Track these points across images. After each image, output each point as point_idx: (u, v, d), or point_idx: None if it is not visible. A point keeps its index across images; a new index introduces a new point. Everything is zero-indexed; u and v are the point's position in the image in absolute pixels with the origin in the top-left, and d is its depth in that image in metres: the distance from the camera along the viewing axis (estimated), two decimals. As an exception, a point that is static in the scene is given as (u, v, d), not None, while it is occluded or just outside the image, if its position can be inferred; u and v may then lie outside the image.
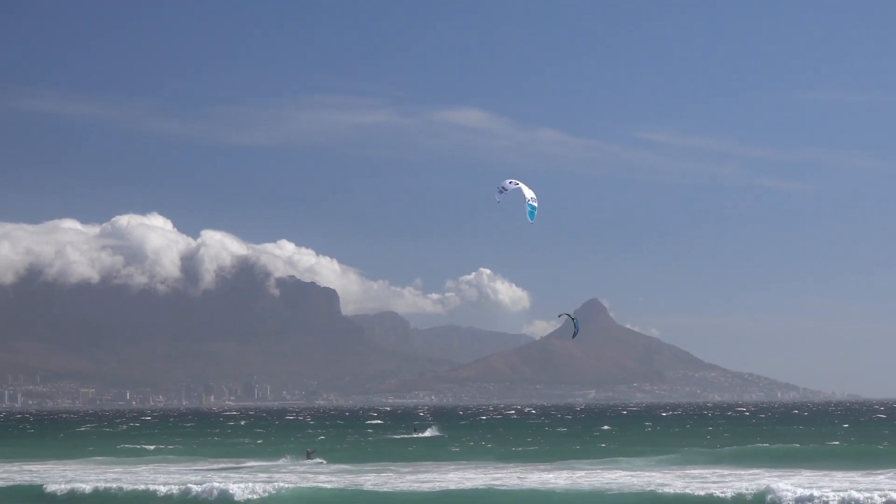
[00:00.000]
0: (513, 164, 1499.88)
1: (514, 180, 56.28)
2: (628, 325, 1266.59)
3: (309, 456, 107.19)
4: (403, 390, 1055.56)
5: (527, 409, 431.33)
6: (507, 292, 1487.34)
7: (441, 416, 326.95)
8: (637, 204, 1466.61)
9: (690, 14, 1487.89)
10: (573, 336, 66.41)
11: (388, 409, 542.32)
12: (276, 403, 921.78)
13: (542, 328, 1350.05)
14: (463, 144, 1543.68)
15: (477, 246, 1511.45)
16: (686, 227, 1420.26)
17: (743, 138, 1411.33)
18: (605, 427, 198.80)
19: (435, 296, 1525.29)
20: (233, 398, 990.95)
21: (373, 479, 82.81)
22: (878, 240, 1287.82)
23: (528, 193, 56.26)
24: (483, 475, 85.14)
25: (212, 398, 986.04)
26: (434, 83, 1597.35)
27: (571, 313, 64.94)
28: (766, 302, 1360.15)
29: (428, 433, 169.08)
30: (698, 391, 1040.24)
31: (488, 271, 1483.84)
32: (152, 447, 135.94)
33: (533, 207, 55.91)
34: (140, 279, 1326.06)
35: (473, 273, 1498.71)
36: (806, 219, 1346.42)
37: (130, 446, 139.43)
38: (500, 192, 56.12)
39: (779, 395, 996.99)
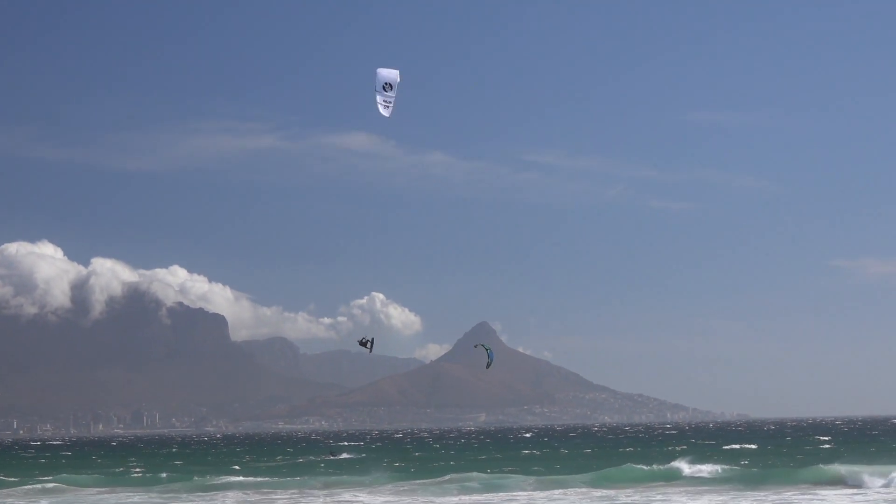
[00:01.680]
0: (402, 187, 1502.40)
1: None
2: (520, 349, 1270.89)
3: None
4: (293, 416, 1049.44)
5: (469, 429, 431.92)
6: (400, 316, 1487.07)
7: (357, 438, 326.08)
8: (526, 226, 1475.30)
9: (576, 36, 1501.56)
10: (487, 367, 69.45)
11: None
12: (166, 430, 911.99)
13: (434, 351, 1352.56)
14: (352, 168, 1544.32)
15: (369, 270, 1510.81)
16: (575, 248, 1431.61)
17: (629, 159, 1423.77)
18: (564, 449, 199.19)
19: (327, 320, 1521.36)
20: (121, 426, 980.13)
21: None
22: (764, 260, 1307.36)
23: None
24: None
25: (100, 426, 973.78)
26: (322, 107, 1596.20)
27: (486, 345, 68.55)
28: (656, 322, 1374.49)
29: (344, 455, 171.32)
30: (588, 413, 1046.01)
31: (381, 296, 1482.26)
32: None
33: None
34: (30, 309, 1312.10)
35: (366, 297, 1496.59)
36: (693, 239, 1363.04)
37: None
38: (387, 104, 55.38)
39: (668, 415, 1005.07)
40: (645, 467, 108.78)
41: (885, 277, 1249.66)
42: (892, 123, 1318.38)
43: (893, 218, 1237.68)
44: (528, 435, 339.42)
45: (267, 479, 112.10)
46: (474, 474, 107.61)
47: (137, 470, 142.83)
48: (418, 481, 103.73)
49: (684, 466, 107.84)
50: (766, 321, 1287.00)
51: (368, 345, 62.82)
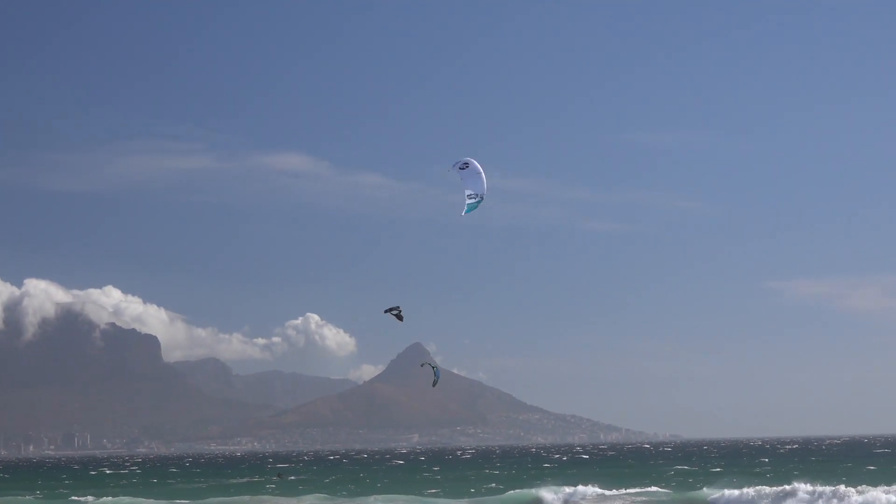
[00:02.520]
0: (336, 207, 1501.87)
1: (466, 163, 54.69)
2: (454, 370, 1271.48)
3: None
4: (226, 437, 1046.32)
5: (415, 450, 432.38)
6: (335, 337, 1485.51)
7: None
8: (460, 247, 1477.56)
9: (507, 56, 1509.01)
10: (433, 384, 68.10)
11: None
12: (98, 452, 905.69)
13: (368, 372, 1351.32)
14: (286, 189, 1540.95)
15: (304, 291, 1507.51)
16: (509, 269, 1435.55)
17: (564, 180, 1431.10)
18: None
19: (262, 341, 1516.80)
20: (52, 447, 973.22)
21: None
22: (698, 281, 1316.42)
23: (470, 190, 55.02)
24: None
25: (31, 448, 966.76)
26: (257, 128, 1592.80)
27: (433, 362, 66.83)
28: (589, 343, 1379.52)
29: (293, 477, 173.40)
30: (521, 434, 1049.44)
31: (316, 316, 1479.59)
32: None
33: (471, 206, 54.97)
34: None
35: (301, 318, 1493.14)
36: (627, 260, 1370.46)
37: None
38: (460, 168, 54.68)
39: (601, 436, 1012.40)
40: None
41: (817, 298, 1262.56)
42: (824, 146, 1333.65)
43: (825, 239, 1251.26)
44: (466, 455, 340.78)
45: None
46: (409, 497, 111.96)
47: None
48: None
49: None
50: (699, 342, 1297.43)
51: (397, 312, 61.02)
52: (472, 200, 54.91)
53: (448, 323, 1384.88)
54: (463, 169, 55.47)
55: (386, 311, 61.00)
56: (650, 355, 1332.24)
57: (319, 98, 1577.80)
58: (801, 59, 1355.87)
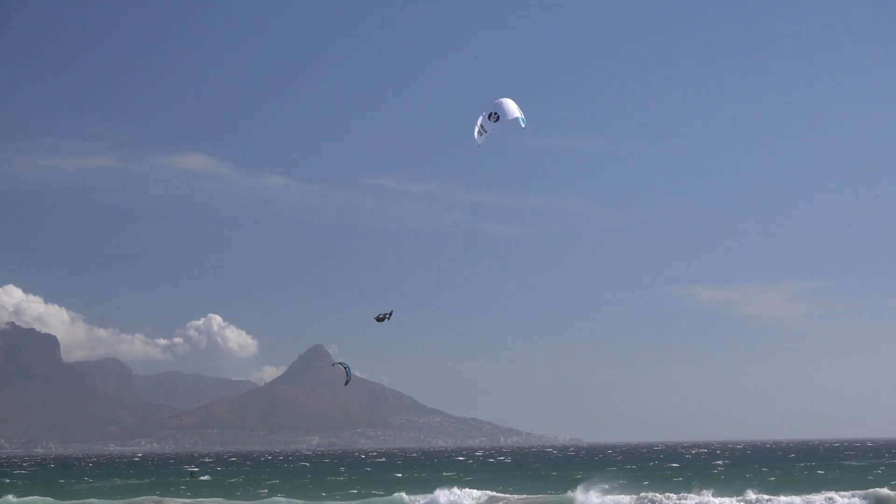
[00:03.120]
0: (240, 209, 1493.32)
1: (494, 112, 53.04)
2: (357, 372, 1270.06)
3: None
4: (125, 437, 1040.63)
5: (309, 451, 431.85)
6: (237, 339, 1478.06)
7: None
8: (364, 249, 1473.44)
9: (408, 58, 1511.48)
10: (346, 384, 70.29)
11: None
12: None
13: (270, 374, 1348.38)
14: (189, 189, 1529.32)
15: (207, 292, 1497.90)
16: (412, 272, 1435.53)
17: (468, 184, 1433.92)
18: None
19: (163, 342, 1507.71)
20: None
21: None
22: (597, 285, 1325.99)
23: (513, 115, 53.66)
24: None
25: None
26: (160, 127, 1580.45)
27: (344, 362, 68.81)
28: (490, 346, 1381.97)
29: (206, 477, 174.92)
30: (422, 436, 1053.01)
31: (218, 318, 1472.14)
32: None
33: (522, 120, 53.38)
34: None
35: (203, 319, 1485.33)
36: (530, 264, 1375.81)
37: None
38: (482, 131, 53.21)
39: (502, 439, 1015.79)
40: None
41: (718, 304, 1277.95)
42: (726, 152, 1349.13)
43: (724, 246, 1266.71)
44: (366, 457, 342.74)
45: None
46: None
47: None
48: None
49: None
50: (600, 346, 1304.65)
51: (387, 318, 62.60)
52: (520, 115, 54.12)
53: (350, 325, 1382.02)
54: (495, 120, 53.74)
55: (379, 317, 63.41)
56: (550, 359, 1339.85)
57: (223, 98, 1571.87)
58: (704, 65, 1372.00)
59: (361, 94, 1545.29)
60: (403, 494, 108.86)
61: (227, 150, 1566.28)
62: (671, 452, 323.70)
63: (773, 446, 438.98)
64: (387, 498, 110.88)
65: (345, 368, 69.92)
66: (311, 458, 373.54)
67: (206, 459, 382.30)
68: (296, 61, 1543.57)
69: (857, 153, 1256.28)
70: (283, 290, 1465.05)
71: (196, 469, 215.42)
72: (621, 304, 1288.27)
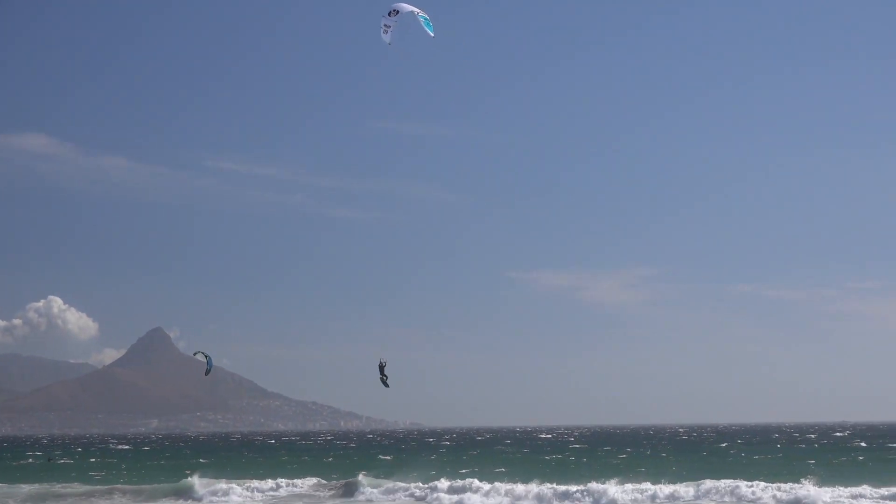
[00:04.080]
0: (80, 190, 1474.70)
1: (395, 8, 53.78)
2: (197, 357, 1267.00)
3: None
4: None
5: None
6: (77, 321, 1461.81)
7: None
8: (205, 232, 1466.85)
9: (252, 43, 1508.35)
10: (206, 373, 73.55)
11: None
12: None
13: (110, 356, 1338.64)
14: (28, 170, 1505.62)
15: (46, 274, 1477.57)
16: (256, 255, 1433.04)
17: (314, 168, 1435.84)
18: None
19: (2, 323, 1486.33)
20: None
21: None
22: (441, 269, 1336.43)
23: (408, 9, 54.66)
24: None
25: None
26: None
27: (205, 352, 71.89)
28: (331, 331, 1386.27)
29: (64, 461, 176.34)
30: (262, 420, 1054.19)
31: (58, 300, 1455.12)
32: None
33: (425, 19, 54.56)
34: None
35: (43, 301, 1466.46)
36: (370, 248, 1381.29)
37: None
38: (386, 29, 54.16)
39: (342, 423, 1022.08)
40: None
41: (559, 289, 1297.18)
42: (567, 140, 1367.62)
43: (568, 232, 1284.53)
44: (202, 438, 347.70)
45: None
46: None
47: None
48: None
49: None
50: (440, 331, 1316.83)
51: (207, 359, 65.30)
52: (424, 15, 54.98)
53: (191, 308, 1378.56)
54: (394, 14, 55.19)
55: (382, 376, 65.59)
56: (391, 343, 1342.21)
57: (63, 78, 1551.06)
58: (550, 51, 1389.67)
59: (203, 75, 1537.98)
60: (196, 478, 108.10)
61: (68, 130, 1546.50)
62: (501, 436, 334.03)
63: (618, 431, 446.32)
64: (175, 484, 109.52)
65: (206, 358, 72.66)
66: (150, 441, 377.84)
67: (45, 440, 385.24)
68: (139, 41, 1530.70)
69: (688, 143, 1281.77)
70: (124, 273, 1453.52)
71: (58, 452, 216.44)
72: (464, 290, 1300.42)
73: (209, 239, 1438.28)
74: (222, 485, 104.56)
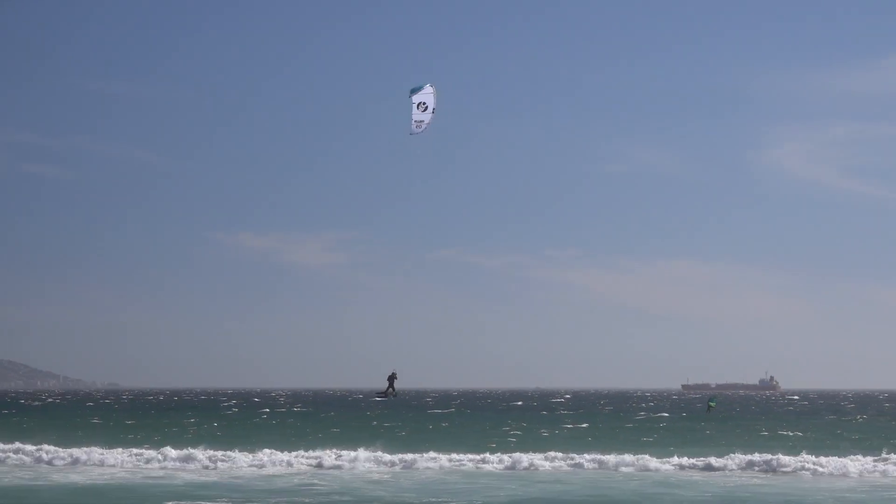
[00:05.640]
0: None
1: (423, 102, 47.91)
2: None
3: None
4: None
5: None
6: None
7: None
8: None
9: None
10: None
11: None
12: None
13: None
14: None
15: None
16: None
17: (6, 122, 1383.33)
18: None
19: None
20: None
21: None
22: (139, 229, 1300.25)
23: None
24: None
25: None
26: None
27: None
28: (30, 288, 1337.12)
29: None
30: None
31: None
32: None
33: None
34: None
35: None
36: (69, 206, 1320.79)
37: None
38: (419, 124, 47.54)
39: (38, 383, 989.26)
40: None
41: (261, 252, 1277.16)
42: (278, 105, 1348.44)
43: (266, 195, 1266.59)
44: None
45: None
46: None
47: None
48: None
49: None
50: (138, 291, 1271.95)
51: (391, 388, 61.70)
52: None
53: None
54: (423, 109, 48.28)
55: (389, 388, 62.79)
56: (89, 303, 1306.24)
57: None
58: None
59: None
60: None
61: None
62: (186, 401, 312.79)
63: (310, 394, 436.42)
64: None
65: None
66: None
67: None
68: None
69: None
70: None
71: None
72: (166, 249, 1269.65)
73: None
74: None
